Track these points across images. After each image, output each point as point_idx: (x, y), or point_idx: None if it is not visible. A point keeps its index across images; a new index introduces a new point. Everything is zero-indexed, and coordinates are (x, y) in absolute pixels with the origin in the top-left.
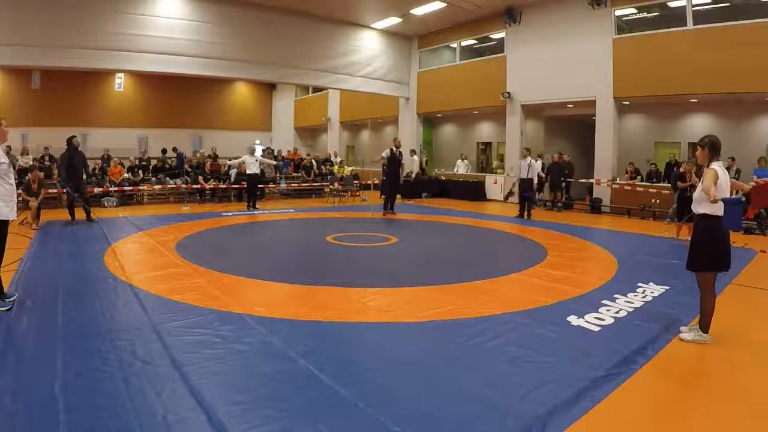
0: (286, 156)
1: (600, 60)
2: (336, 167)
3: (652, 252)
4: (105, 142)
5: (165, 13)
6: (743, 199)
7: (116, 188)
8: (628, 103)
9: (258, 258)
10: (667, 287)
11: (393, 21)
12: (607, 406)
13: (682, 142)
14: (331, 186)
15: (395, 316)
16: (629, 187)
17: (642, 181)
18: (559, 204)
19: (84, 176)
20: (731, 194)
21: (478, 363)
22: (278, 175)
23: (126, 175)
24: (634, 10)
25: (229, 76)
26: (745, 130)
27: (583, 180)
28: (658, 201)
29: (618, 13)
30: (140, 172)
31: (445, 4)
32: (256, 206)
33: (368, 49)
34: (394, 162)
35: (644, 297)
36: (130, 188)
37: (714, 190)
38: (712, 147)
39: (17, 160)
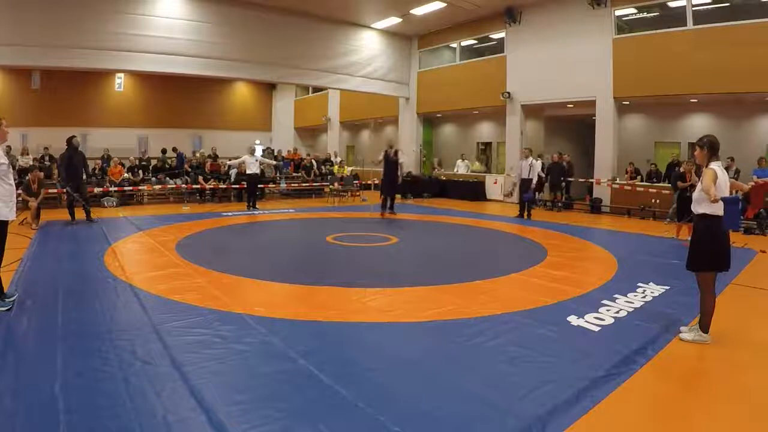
0: (286, 156)
1: (600, 60)
2: (336, 167)
3: (652, 252)
4: (105, 142)
5: (165, 13)
6: (741, 197)
7: (116, 188)
8: (628, 103)
9: (258, 258)
10: (667, 287)
11: (393, 21)
12: (607, 406)
13: (682, 142)
14: (331, 186)
15: (395, 316)
16: (629, 187)
17: (642, 181)
18: (559, 204)
19: (84, 176)
20: (730, 194)
21: (478, 363)
22: (278, 175)
23: (126, 175)
24: (634, 10)
25: (229, 76)
26: (745, 130)
27: (583, 180)
28: (658, 201)
29: (618, 13)
30: (140, 172)
31: (445, 4)
32: (256, 206)
33: (368, 49)
34: (388, 163)
35: (644, 297)
36: (130, 188)
37: (714, 189)
38: (710, 147)
39: (17, 160)
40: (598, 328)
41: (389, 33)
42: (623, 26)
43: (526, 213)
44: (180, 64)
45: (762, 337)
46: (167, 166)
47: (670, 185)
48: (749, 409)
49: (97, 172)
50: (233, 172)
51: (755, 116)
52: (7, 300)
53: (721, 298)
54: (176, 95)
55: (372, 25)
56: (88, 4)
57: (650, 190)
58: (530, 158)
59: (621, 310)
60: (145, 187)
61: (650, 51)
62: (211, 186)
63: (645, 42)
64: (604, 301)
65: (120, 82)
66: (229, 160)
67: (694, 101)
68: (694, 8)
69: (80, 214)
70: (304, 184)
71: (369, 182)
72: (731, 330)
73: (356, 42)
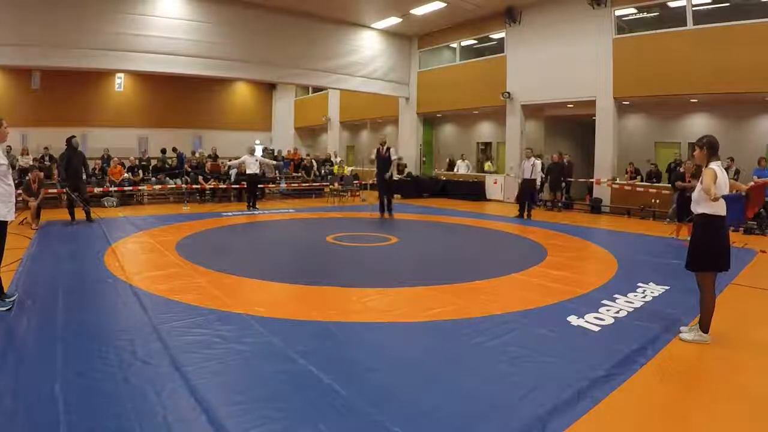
0: (286, 156)
1: (600, 60)
2: (336, 167)
3: (652, 252)
4: (105, 142)
5: (165, 13)
6: (744, 194)
7: (116, 188)
8: (628, 103)
9: (258, 258)
10: (667, 287)
11: (393, 21)
12: (607, 406)
13: (682, 142)
14: (330, 186)
15: (395, 316)
16: (629, 187)
17: (642, 181)
18: (559, 204)
19: (84, 176)
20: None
21: (478, 363)
22: (278, 175)
23: (126, 175)
24: (634, 10)
25: (229, 76)
26: (744, 130)
27: (583, 180)
28: (658, 201)
29: (618, 13)
30: (140, 172)
31: (445, 4)
32: (256, 206)
33: (368, 49)
34: (380, 161)
35: (644, 297)
36: (130, 188)
37: (714, 188)
38: (710, 147)
39: (17, 160)
40: (598, 328)
41: (389, 33)
42: (623, 26)
43: (526, 213)
44: (180, 64)
45: (762, 337)
46: (167, 166)
47: (670, 185)
48: (749, 409)
49: (97, 172)
50: (233, 172)
51: (755, 116)
52: (7, 300)
53: (721, 298)
54: (176, 95)
55: (372, 25)
56: (88, 4)
57: (650, 190)
58: (532, 158)
59: (621, 310)
60: (145, 187)
61: (650, 51)
62: (211, 186)
63: (645, 42)
64: (604, 301)
65: (120, 82)
66: (229, 160)
67: (694, 101)
68: (694, 8)
69: (80, 214)
70: (303, 184)
71: (368, 182)
72: (731, 330)
73: (356, 42)
